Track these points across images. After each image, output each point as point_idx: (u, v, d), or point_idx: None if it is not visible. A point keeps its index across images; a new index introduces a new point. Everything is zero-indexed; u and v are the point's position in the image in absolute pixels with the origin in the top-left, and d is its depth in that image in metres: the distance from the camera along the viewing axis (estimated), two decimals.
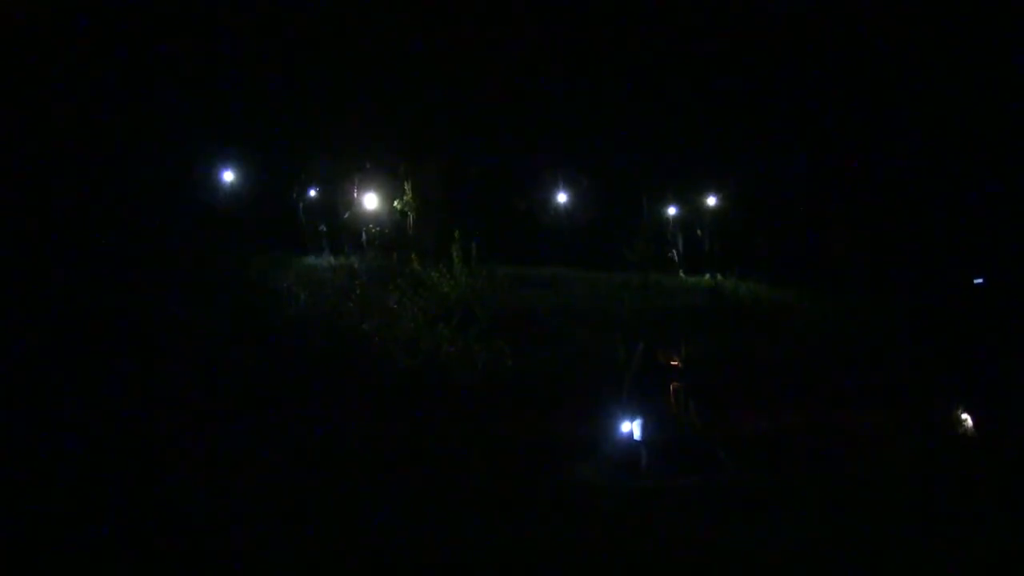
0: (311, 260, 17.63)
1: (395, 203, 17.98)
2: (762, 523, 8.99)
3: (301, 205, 18.43)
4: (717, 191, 20.49)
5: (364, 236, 17.88)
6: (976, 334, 16.20)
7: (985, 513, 9.31)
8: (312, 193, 18.49)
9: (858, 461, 11.59)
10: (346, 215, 18.15)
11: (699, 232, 20.46)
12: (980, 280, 19.92)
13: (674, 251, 20.27)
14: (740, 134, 21.03)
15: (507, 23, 20.89)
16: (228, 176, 18.29)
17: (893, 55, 21.26)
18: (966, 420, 12.73)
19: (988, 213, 20.60)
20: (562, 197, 20.10)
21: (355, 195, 18.07)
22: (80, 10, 17.94)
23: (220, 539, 8.01)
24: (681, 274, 20.01)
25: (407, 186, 17.94)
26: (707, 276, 19.76)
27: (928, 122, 21.14)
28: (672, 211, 20.43)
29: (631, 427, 11.18)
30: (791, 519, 9.15)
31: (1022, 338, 15.84)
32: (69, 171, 16.63)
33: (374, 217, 17.99)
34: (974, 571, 7.45)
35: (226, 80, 18.94)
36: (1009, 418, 12.71)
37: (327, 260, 17.47)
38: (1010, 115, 20.65)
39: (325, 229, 18.12)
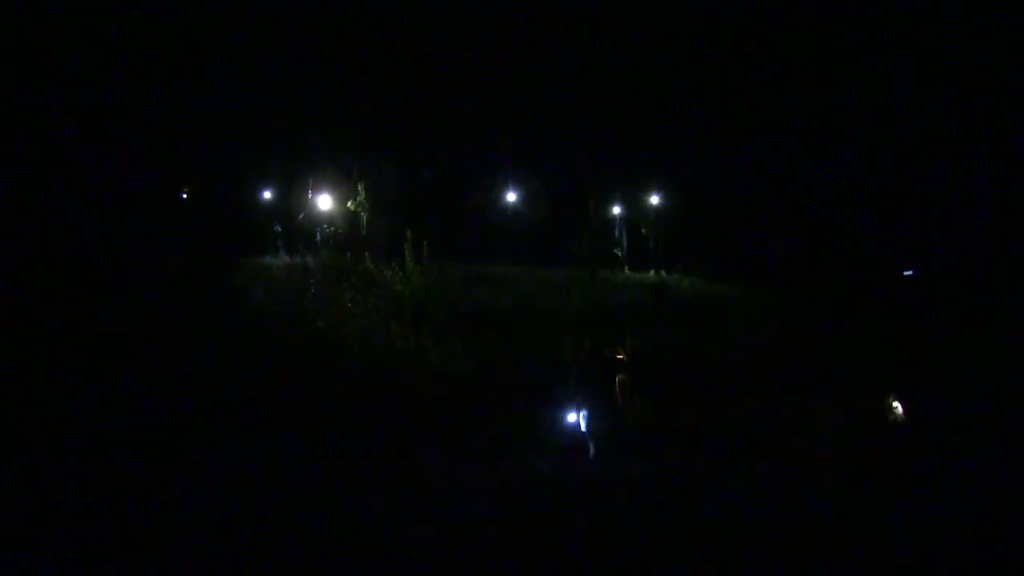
0: (266, 260, 17.70)
1: (348, 203, 18.10)
2: (701, 510, 9.27)
3: (256, 206, 18.45)
4: (661, 190, 20.75)
5: (318, 236, 18.02)
6: (906, 325, 16.77)
7: (913, 496, 9.73)
8: (267, 194, 18.51)
9: (793, 448, 11.99)
10: (300, 216, 18.22)
11: (644, 230, 20.68)
12: (910, 272, 20.47)
13: (619, 248, 20.50)
14: (682, 135, 21.35)
15: (457, 25, 20.97)
16: (184, 178, 18.21)
17: (826, 57, 21.67)
18: (896, 407, 13.25)
19: (918, 208, 21.17)
20: (511, 197, 20.27)
21: (309, 196, 18.14)
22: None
23: (175, 536, 8.00)
24: (626, 270, 20.27)
25: (360, 187, 18.08)
26: (652, 272, 20.09)
27: (858, 121, 21.63)
28: (617, 210, 20.68)
29: (578, 419, 11.50)
30: (731, 505, 9.47)
31: (950, 328, 16.48)
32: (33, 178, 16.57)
33: (328, 217, 18.10)
34: (903, 553, 7.67)
35: (181, 83, 18.84)
36: (937, 405, 13.32)
37: (282, 260, 17.62)
38: (939, 114, 21.24)
39: (280, 229, 18.22)
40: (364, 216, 18.19)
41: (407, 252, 16.14)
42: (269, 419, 11.85)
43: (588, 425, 11.35)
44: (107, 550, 7.58)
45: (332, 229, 17.97)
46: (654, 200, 20.80)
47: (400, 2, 21.05)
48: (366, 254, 16.57)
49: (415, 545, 7.92)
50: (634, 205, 20.74)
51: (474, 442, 11.81)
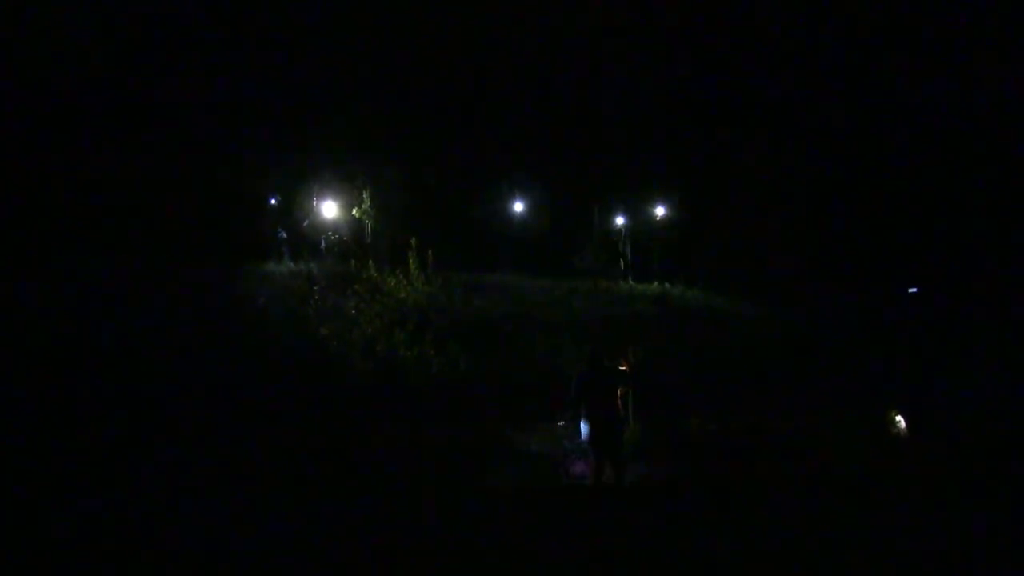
0: (270, 266, 17.71)
1: (354, 211, 18.10)
2: (706, 520, 9.27)
3: (260, 212, 18.45)
4: (665, 202, 20.79)
5: (323, 243, 18.01)
6: (910, 340, 16.76)
7: (916, 506, 9.72)
8: (272, 201, 18.51)
9: (797, 460, 11.99)
10: (305, 223, 18.22)
11: (648, 242, 20.72)
12: (914, 289, 20.47)
13: (623, 259, 20.52)
14: (688, 147, 21.43)
15: (463, 36, 21.06)
16: (188, 183, 18.23)
17: (829, 76, 21.76)
18: (899, 421, 13.25)
19: (923, 226, 21.19)
20: (516, 207, 20.32)
21: (314, 203, 18.13)
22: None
23: (172, 536, 8.16)
24: (630, 281, 20.28)
25: (365, 194, 18.09)
26: (655, 284, 20.09)
27: (864, 138, 21.67)
28: (621, 221, 20.72)
29: (580, 429, 11.47)
30: (733, 515, 9.47)
31: (952, 344, 16.48)
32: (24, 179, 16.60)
33: (333, 224, 18.10)
34: (904, 561, 7.66)
35: (186, 90, 18.88)
36: (939, 419, 13.31)
37: (286, 266, 17.61)
38: (945, 136, 21.27)
39: (284, 235, 18.22)
40: (369, 224, 18.20)
41: (411, 260, 16.13)
42: (271, 424, 11.82)
43: (590, 435, 11.31)
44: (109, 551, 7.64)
45: (336, 236, 17.94)
46: (658, 212, 20.87)
47: (407, 12, 21.14)
48: (370, 262, 16.49)
49: (415, 547, 7.95)
50: (638, 217, 20.82)
51: (474, 449, 11.80)
